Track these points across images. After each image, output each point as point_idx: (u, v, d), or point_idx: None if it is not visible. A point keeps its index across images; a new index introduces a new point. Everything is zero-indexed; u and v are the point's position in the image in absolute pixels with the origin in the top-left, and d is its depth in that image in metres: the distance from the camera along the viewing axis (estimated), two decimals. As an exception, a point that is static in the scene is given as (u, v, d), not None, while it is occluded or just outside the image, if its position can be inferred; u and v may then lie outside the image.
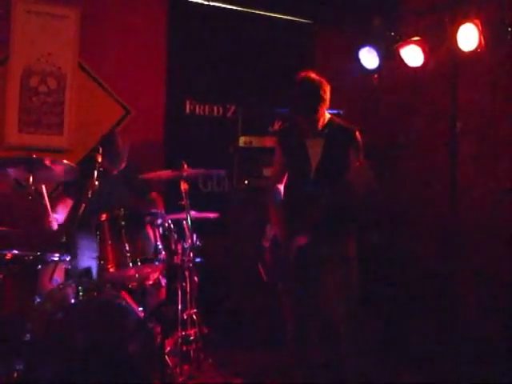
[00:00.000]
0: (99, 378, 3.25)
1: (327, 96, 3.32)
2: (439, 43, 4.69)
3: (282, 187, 3.55)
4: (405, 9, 5.39)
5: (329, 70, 3.57)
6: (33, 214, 4.00)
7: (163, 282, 4.07)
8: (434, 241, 5.24)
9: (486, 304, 4.69)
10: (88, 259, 3.85)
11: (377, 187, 3.12)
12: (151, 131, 5.52)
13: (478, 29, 4.31)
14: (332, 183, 3.24)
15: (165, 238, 3.91)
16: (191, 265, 4.07)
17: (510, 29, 4.26)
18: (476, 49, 4.36)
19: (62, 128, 5.15)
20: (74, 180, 3.80)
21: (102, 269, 3.65)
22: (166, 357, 3.77)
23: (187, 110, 5.69)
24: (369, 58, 5.14)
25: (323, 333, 3.44)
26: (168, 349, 3.88)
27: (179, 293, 3.95)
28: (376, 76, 5.29)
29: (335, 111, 4.07)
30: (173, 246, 3.93)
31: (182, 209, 4.07)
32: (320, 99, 3.29)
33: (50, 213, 3.81)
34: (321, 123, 3.37)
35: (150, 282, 3.90)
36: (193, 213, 4.15)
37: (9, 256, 3.43)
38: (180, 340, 3.90)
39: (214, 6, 5.73)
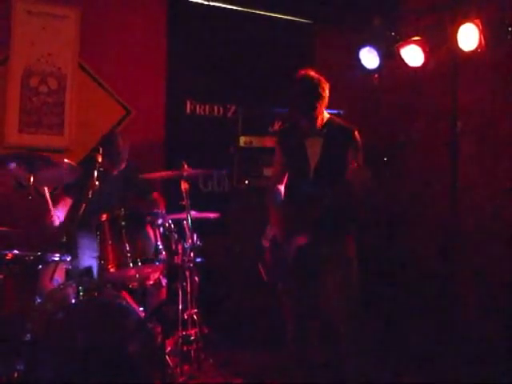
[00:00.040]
0: (100, 378, 3.25)
1: (326, 94, 3.33)
2: (439, 43, 4.68)
3: (282, 187, 3.55)
4: (405, 9, 5.38)
5: (329, 70, 3.56)
6: (33, 213, 4.00)
7: (164, 282, 4.07)
8: (434, 241, 5.24)
9: (486, 304, 4.69)
10: (88, 259, 3.86)
11: (374, 187, 3.12)
12: (152, 131, 5.52)
13: (478, 29, 4.30)
14: (331, 183, 3.24)
15: (165, 238, 3.92)
16: (192, 265, 4.07)
17: (510, 29, 4.25)
18: (476, 49, 4.35)
19: (62, 128, 5.15)
20: (75, 180, 3.80)
21: (102, 269, 3.65)
22: (167, 357, 3.78)
23: (187, 110, 5.69)
24: (369, 57, 5.13)
25: (323, 333, 3.44)
26: (168, 349, 3.89)
27: (180, 293, 3.96)
28: (376, 76, 5.28)
29: (335, 111, 4.07)
30: (173, 246, 3.94)
31: (182, 209, 4.08)
32: (318, 96, 3.29)
33: (52, 209, 3.81)
34: (320, 122, 3.37)
35: (151, 282, 3.90)
36: (193, 213, 4.15)
37: (9, 256, 3.43)
38: (180, 340, 3.90)
39: (214, 6, 5.73)
